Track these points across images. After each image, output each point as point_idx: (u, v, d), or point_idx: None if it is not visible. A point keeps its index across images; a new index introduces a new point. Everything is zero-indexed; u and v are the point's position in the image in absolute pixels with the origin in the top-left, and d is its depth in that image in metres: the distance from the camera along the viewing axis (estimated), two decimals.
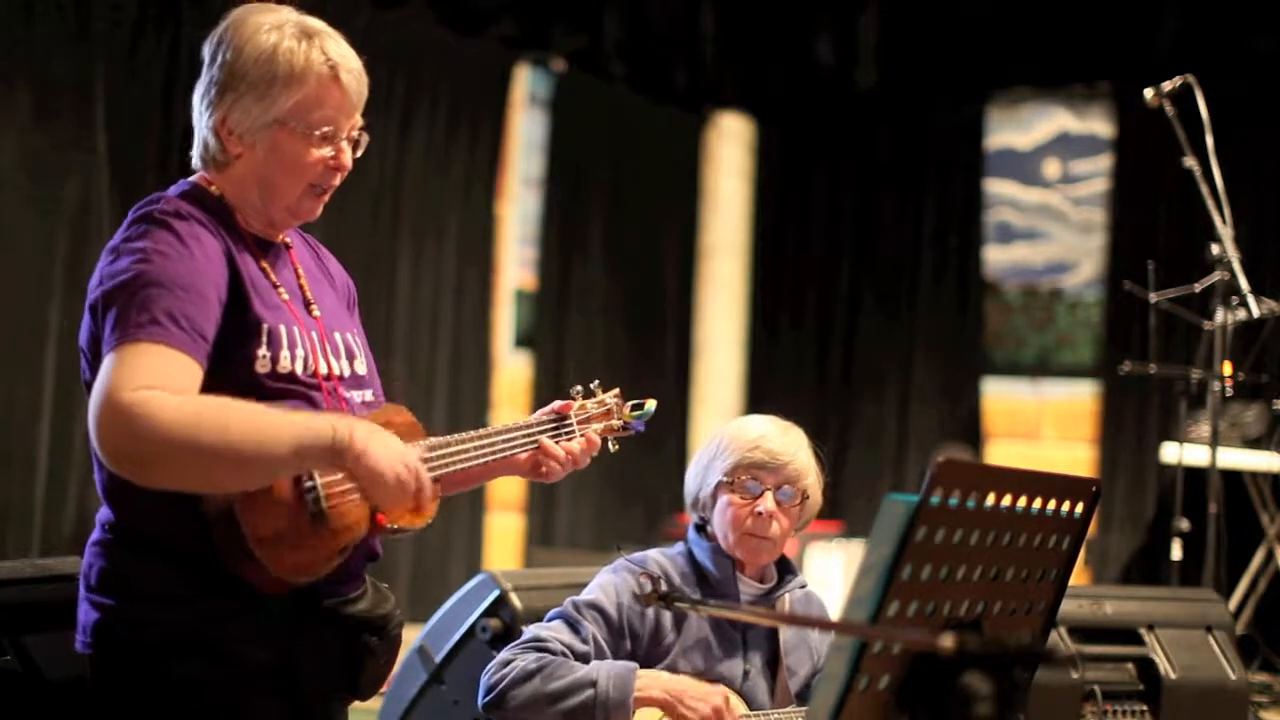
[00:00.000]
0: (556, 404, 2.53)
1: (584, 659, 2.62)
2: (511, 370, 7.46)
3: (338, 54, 2.18)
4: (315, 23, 2.20)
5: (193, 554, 2.05)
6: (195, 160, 2.22)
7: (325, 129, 2.16)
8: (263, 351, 2.10)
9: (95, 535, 2.18)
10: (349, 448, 1.99)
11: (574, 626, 2.66)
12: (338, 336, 2.25)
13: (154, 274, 2.00)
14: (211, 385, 2.01)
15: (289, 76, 2.13)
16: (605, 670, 2.57)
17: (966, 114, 8.09)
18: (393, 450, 2.04)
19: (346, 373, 2.24)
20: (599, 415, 2.59)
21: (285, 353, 2.12)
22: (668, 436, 8.14)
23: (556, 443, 2.46)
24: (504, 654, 2.63)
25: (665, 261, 8.36)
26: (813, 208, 8.54)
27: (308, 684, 2.17)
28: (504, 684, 2.58)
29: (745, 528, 2.73)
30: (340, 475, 2.05)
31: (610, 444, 2.61)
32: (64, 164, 5.45)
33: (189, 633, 2.07)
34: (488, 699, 2.60)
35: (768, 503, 2.72)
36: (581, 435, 2.51)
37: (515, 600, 3.38)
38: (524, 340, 7.59)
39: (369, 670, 2.23)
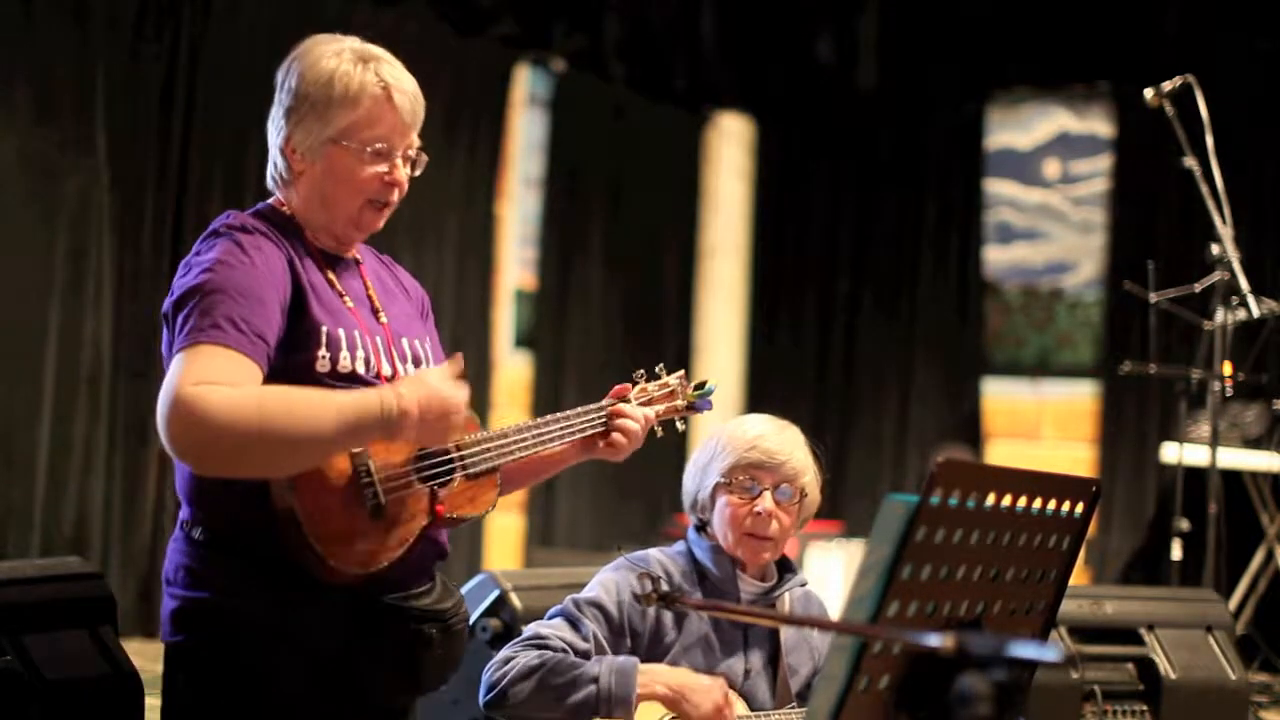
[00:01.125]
0: (617, 388, 2.64)
1: (585, 656, 2.62)
2: (511, 370, 7.46)
3: (391, 76, 2.31)
4: (373, 49, 2.35)
5: (264, 549, 2.15)
6: (269, 182, 2.37)
7: (378, 146, 2.29)
8: (322, 353, 2.21)
9: (175, 533, 2.30)
10: (396, 412, 2.09)
11: (574, 624, 2.66)
12: (405, 342, 2.37)
13: (218, 282, 2.14)
14: (277, 384, 2.12)
15: (344, 97, 2.27)
16: (607, 666, 2.58)
17: (966, 114, 8.08)
18: (435, 391, 2.13)
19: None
20: (661, 397, 2.69)
21: (345, 354, 2.24)
22: (667, 437, 8.12)
23: (607, 429, 2.57)
24: (505, 651, 2.64)
25: (665, 261, 8.36)
26: (813, 208, 8.54)
27: (372, 677, 2.26)
28: (505, 681, 2.58)
29: (745, 527, 2.73)
30: (397, 469, 2.17)
31: (678, 424, 2.72)
32: (64, 164, 5.45)
33: (260, 624, 2.18)
34: (489, 696, 2.60)
35: (766, 502, 2.73)
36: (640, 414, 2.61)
37: (515, 600, 3.38)
38: (524, 340, 7.59)
39: (428, 662, 2.31)
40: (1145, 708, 3.69)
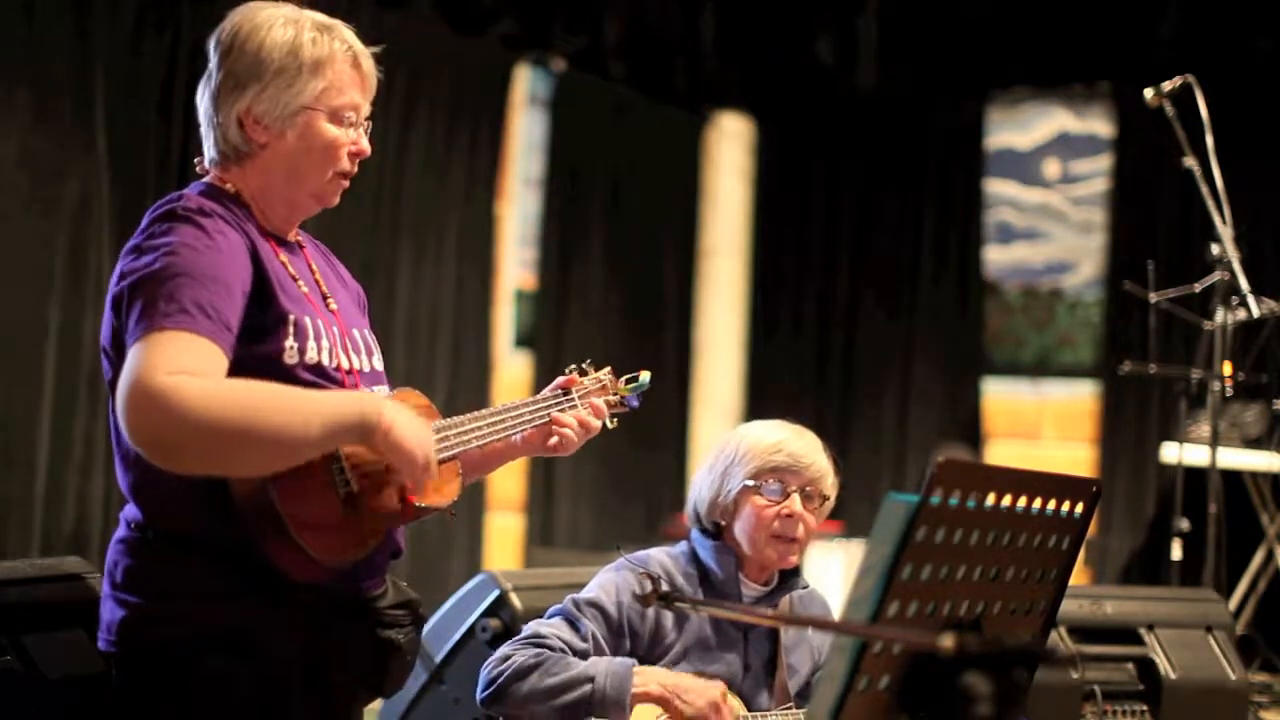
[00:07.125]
0: (560, 380, 2.61)
1: (583, 656, 2.63)
2: (511, 370, 7.46)
3: (355, 43, 2.27)
4: (327, 18, 2.28)
5: (223, 549, 2.07)
6: (211, 155, 2.25)
7: (349, 114, 2.24)
8: (290, 343, 2.14)
9: (120, 533, 2.19)
10: (377, 424, 2.04)
11: (573, 624, 2.67)
12: (355, 333, 2.30)
13: (181, 265, 2.03)
14: (241, 377, 2.03)
15: (316, 64, 2.21)
16: (603, 667, 2.58)
17: (966, 114, 8.08)
18: (416, 426, 2.11)
19: (366, 368, 2.28)
20: (596, 392, 2.66)
21: (311, 344, 2.16)
22: (667, 437, 8.14)
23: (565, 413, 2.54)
24: (503, 649, 2.65)
25: (665, 261, 8.36)
26: (812, 208, 8.53)
27: (336, 679, 2.20)
28: (502, 679, 2.60)
29: (773, 530, 2.75)
30: (366, 459, 2.10)
31: (608, 421, 2.66)
32: (64, 164, 5.44)
33: (220, 629, 2.10)
34: (486, 693, 2.62)
35: (795, 504, 2.75)
36: (586, 407, 2.58)
37: (515, 600, 3.38)
38: (524, 340, 7.59)
39: (394, 667, 2.27)
40: (1145, 708, 3.69)
